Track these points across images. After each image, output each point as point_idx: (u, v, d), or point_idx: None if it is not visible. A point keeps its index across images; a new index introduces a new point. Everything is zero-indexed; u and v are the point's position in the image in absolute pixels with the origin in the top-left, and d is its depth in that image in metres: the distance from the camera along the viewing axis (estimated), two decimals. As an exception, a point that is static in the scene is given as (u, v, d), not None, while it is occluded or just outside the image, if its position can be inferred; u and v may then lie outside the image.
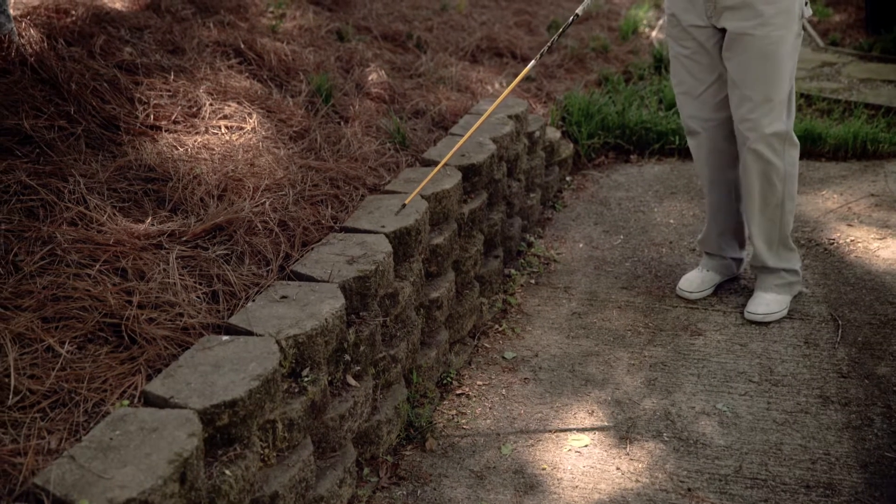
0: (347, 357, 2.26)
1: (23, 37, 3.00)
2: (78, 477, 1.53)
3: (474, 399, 2.69)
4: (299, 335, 2.03)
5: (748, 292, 3.18)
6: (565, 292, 3.32)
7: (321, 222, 2.62)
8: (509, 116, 3.67)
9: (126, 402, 1.79)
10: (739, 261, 3.28)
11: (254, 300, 2.18)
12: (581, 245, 3.71)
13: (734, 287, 3.26)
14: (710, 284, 3.24)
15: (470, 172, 3.13)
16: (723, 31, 2.86)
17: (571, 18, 2.90)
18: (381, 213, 2.69)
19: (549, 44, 2.87)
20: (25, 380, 1.76)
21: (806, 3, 2.81)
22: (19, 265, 2.06)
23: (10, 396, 1.72)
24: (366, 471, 2.33)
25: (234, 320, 2.08)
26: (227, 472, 1.76)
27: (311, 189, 2.79)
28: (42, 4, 3.65)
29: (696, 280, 3.24)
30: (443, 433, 2.52)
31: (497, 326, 3.11)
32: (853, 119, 4.70)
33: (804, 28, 2.83)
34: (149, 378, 1.87)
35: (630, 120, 4.64)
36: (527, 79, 5.05)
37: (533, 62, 2.86)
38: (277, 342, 1.99)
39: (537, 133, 3.98)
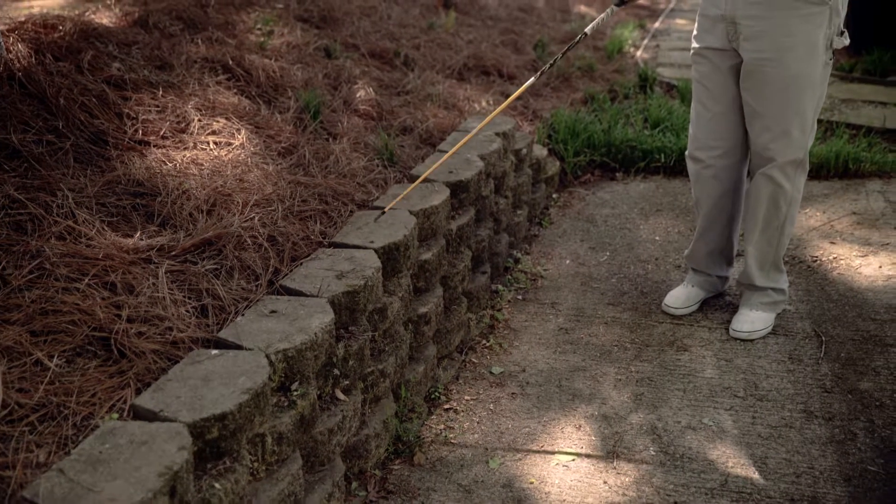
0: (336, 371, 2.26)
1: (10, 51, 3.00)
2: (67, 490, 1.53)
3: (462, 414, 2.70)
4: (289, 349, 2.03)
5: (733, 308, 3.21)
6: (552, 308, 3.34)
7: (310, 237, 2.63)
8: (497, 134, 3.69)
9: (115, 415, 1.78)
10: (725, 278, 3.31)
11: (243, 314, 2.18)
12: (568, 261, 3.73)
13: (720, 303, 3.29)
14: (696, 300, 3.27)
15: (458, 189, 3.15)
16: (741, 57, 2.84)
17: (579, 37, 2.93)
18: (370, 229, 2.70)
19: (551, 62, 2.93)
20: (14, 393, 1.75)
21: (842, 33, 2.73)
22: (7, 279, 2.06)
23: (-1, 410, 1.71)
24: (354, 485, 2.33)
25: (223, 334, 2.09)
26: (217, 485, 1.75)
27: (300, 204, 2.80)
28: (29, 20, 3.65)
29: (681, 296, 3.26)
30: (431, 447, 2.53)
31: (484, 342, 3.12)
32: (835, 138, 4.76)
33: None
34: (138, 392, 1.87)
35: (616, 138, 4.68)
36: (513, 97, 5.08)
37: (532, 80, 2.91)
38: (267, 356, 1.99)
39: (524, 150, 4.01)
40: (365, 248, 2.58)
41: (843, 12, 2.71)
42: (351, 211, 2.90)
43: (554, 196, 4.46)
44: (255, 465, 1.94)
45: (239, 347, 2.04)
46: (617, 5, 3.01)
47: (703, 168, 3.05)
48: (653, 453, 2.46)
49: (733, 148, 2.99)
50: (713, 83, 2.92)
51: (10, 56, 2.95)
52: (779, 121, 2.79)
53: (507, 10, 8.30)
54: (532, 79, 2.88)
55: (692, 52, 2.98)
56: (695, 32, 2.96)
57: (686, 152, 3.14)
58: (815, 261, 3.57)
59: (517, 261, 3.71)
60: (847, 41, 2.76)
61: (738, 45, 2.80)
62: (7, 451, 1.63)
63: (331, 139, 3.54)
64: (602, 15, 2.96)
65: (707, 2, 2.88)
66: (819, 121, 5.20)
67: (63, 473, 1.57)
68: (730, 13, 2.77)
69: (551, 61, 2.90)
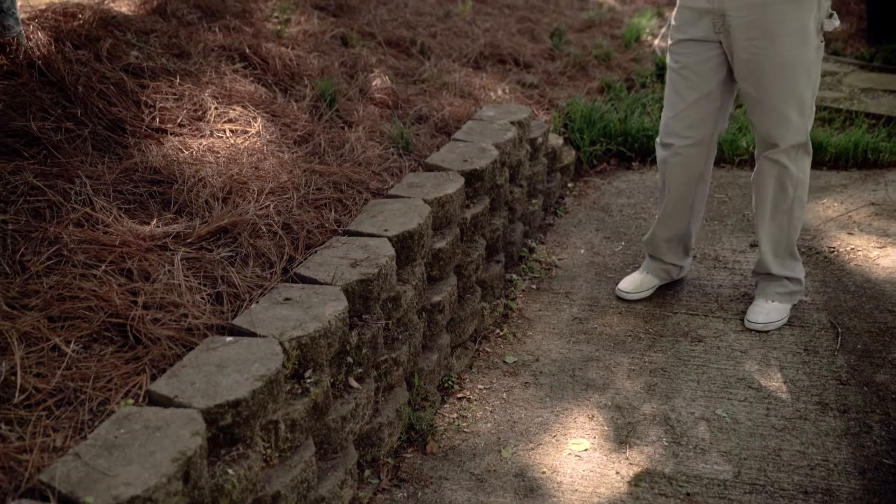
0: (350, 359, 2.28)
1: (31, 40, 3.02)
2: (83, 474, 1.55)
3: (475, 403, 2.70)
4: (302, 337, 2.04)
5: (749, 299, 3.20)
6: (566, 297, 3.34)
7: (325, 226, 2.64)
8: (512, 122, 3.69)
9: (131, 401, 1.80)
10: (680, 267, 3.35)
11: (257, 302, 2.20)
12: (582, 251, 3.73)
13: (735, 294, 3.28)
14: (649, 287, 3.31)
15: (472, 177, 3.15)
16: (725, 48, 2.86)
17: None
18: (385, 217, 2.71)
19: None
20: (31, 378, 1.78)
21: (831, 15, 2.77)
22: (26, 265, 2.08)
23: (17, 394, 1.73)
24: (367, 472, 2.34)
25: (238, 322, 2.10)
26: (230, 471, 1.77)
27: (315, 193, 2.81)
28: (49, 8, 3.67)
29: (635, 281, 3.32)
30: (444, 436, 2.54)
31: (498, 331, 3.13)
32: (854, 128, 4.72)
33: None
34: (153, 378, 1.88)
35: (632, 127, 4.66)
36: (529, 85, 5.07)
37: None
38: (281, 343, 2.00)
39: (540, 139, 4.00)
40: (379, 236, 2.59)
41: None
42: (366, 199, 2.91)
43: (569, 185, 4.45)
44: (269, 451, 1.96)
45: (253, 335, 2.06)
46: None
47: (672, 155, 3.07)
48: (666, 444, 2.46)
49: (704, 138, 3.02)
50: (694, 74, 2.93)
51: (30, 44, 2.97)
52: (778, 107, 2.82)
53: (526, -2, 8.28)
54: None
55: (671, 42, 3.00)
56: (673, 23, 2.98)
57: (657, 139, 3.17)
58: (832, 251, 3.55)
59: (532, 250, 3.71)
60: (837, 23, 2.81)
61: (726, 37, 2.82)
62: (24, 436, 1.66)
63: (346, 127, 3.55)
64: None
65: None
66: (838, 110, 5.17)
67: (79, 458, 1.59)
68: (718, 6, 2.79)
69: None
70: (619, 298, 3.31)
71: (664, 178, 3.17)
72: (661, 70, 5.94)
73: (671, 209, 3.18)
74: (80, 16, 3.61)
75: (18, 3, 4.51)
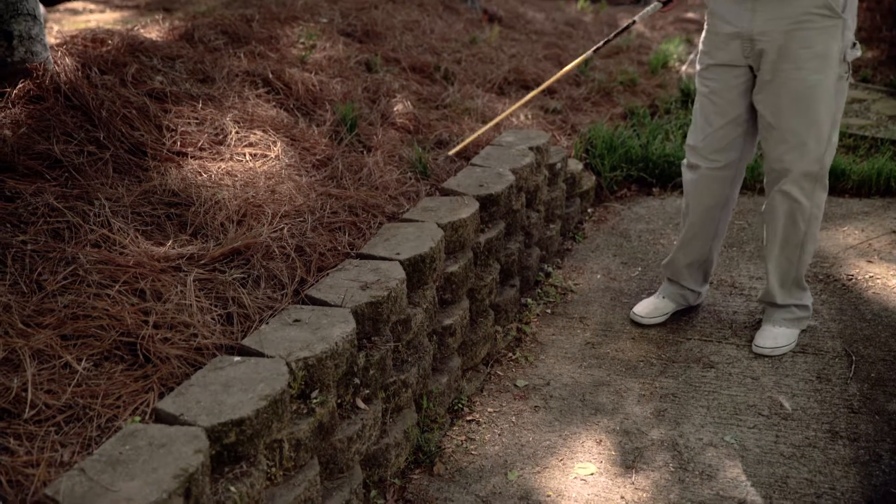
0: (357, 380, 2.31)
1: (58, 65, 3.12)
2: (87, 489, 1.59)
3: (484, 425, 2.72)
4: (309, 358, 2.08)
5: (762, 326, 3.20)
6: (580, 322, 3.35)
7: (338, 248, 2.69)
8: (530, 148, 3.72)
9: (138, 418, 1.85)
10: (698, 293, 3.34)
11: (267, 323, 2.24)
12: (599, 276, 3.74)
13: (749, 321, 3.27)
14: (664, 312, 3.31)
15: (488, 202, 3.18)
16: (755, 74, 2.88)
17: (629, 23, 3.08)
18: (398, 241, 2.75)
19: (603, 42, 3.08)
20: (42, 394, 1.83)
21: (854, 45, 2.78)
22: (42, 284, 2.15)
23: (27, 410, 1.79)
24: (373, 493, 2.37)
25: (246, 342, 2.15)
26: (233, 488, 1.81)
27: (330, 216, 2.86)
28: (80, 34, 3.79)
29: (650, 306, 3.32)
30: (451, 458, 2.56)
31: (511, 354, 3.14)
32: (879, 155, 4.69)
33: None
34: (161, 396, 1.93)
35: (653, 153, 4.67)
36: (553, 111, 5.11)
37: (587, 54, 3.04)
38: (287, 364, 2.04)
39: (559, 165, 4.03)
40: (391, 259, 2.62)
41: (854, 26, 2.77)
42: (380, 223, 2.95)
43: (589, 210, 4.47)
44: (273, 469, 1.99)
45: (261, 355, 2.10)
46: (664, 4, 3.08)
47: (698, 177, 3.09)
48: (672, 469, 2.46)
49: (730, 163, 3.03)
50: (722, 99, 2.95)
51: (58, 69, 3.06)
52: (794, 132, 2.83)
53: (554, 24, 8.33)
54: (588, 53, 3.04)
55: (700, 68, 3.02)
56: (702, 48, 3.00)
57: (683, 161, 3.17)
58: (851, 279, 3.53)
59: (548, 274, 3.73)
60: (859, 52, 2.82)
61: (755, 61, 2.83)
62: (32, 450, 1.71)
63: (365, 152, 3.60)
64: (649, 7, 3.08)
65: (717, 20, 2.90)
66: (863, 137, 5.14)
67: (84, 473, 1.64)
68: (746, 30, 2.81)
69: (600, 43, 3.10)
70: (634, 322, 3.31)
71: (688, 200, 3.18)
72: (685, 96, 5.95)
73: (693, 234, 3.19)
74: (109, 42, 3.71)
75: (55, 29, 4.63)
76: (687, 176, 3.16)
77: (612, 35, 3.16)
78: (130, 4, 7.73)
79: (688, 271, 3.26)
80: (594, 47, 3.09)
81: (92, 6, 7.83)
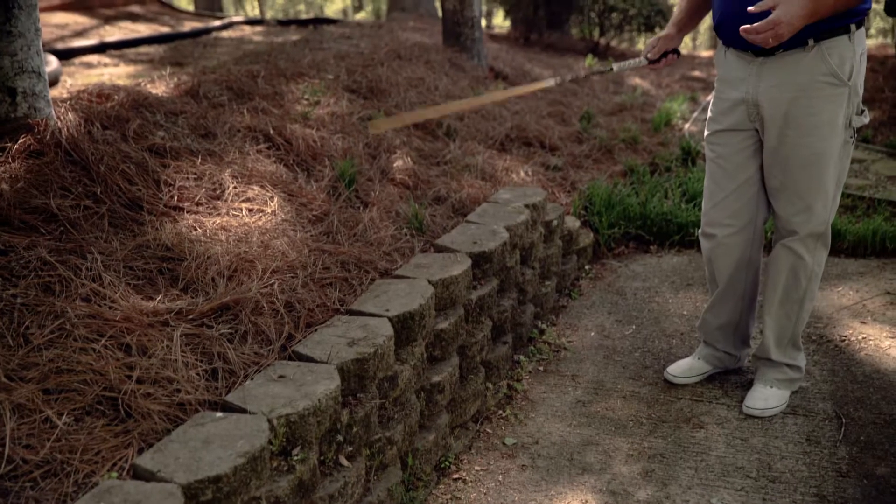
0: (340, 437, 2.31)
1: (61, 120, 3.19)
2: (58, 545, 1.60)
3: (470, 484, 2.71)
4: (291, 414, 2.09)
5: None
6: (572, 380, 3.35)
7: (327, 304, 2.71)
8: (526, 205, 3.75)
9: (115, 474, 1.86)
10: (736, 357, 3.29)
11: (252, 378, 2.26)
12: (593, 333, 3.75)
13: (741, 381, 3.26)
14: (699, 373, 3.28)
15: (481, 259, 3.21)
16: (761, 136, 2.90)
17: (607, 69, 3.13)
18: (388, 297, 2.77)
19: (569, 77, 3.16)
20: (20, 449, 1.85)
21: (861, 112, 2.79)
22: (29, 338, 2.17)
23: (3, 465, 1.80)
24: (355, 552, 2.36)
25: (230, 398, 2.16)
26: (207, 547, 1.81)
27: (322, 272, 2.89)
28: (86, 90, 3.87)
29: (685, 366, 3.29)
30: (435, 517, 2.55)
31: (501, 412, 3.14)
32: (876, 216, 4.71)
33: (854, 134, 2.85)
34: (140, 451, 1.94)
35: (651, 211, 4.70)
36: (553, 168, 5.16)
37: (549, 83, 3.10)
38: (269, 420, 2.05)
39: (555, 222, 4.06)
40: (380, 315, 2.64)
41: (861, 92, 2.76)
42: (372, 279, 2.98)
43: (586, 268, 4.49)
44: (251, 528, 1.99)
45: (244, 411, 2.11)
46: (649, 62, 3.10)
47: (716, 245, 3.08)
48: (657, 532, 2.44)
49: (746, 225, 3.02)
50: (730, 164, 2.96)
51: (59, 125, 3.13)
52: (802, 196, 2.84)
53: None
54: (550, 82, 3.11)
55: (708, 133, 3.03)
56: (710, 115, 3.02)
57: (699, 230, 3.17)
58: (844, 340, 3.52)
59: (542, 331, 3.74)
60: (866, 120, 2.82)
61: (761, 125, 2.86)
62: (8, 505, 1.72)
63: (362, 207, 3.65)
64: (633, 60, 3.13)
65: (725, 85, 2.94)
66: (861, 197, 5.16)
67: (57, 529, 1.65)
68: (752, 96, 2.83)
69: (569, 77, 3.18)
70: (667, 382, 3.28)
71: (710, 268, 3.18)
72: (686, 154, 6.00)
73: (720, 298, 3.18)
74: (114, 97, 3.79)
75: (68, 83, 4.72)
76: (704, 245, 3.16)
77: (583, 74, 3.24)
78: (144, 59, 7.88)
79: (721, 334, 3.23)
80: (558, 79, 3.15)
81: (107, 60, 7.98)
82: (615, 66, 3.15)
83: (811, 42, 2.68)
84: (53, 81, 6.29)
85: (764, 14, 2.49)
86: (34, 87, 3.10)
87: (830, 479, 2.65)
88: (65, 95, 3.79)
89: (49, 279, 2.41)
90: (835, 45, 2.68)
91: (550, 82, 3.16)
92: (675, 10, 3.14)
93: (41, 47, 3.16)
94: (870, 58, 9.83)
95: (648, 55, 3.11)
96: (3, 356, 2.07)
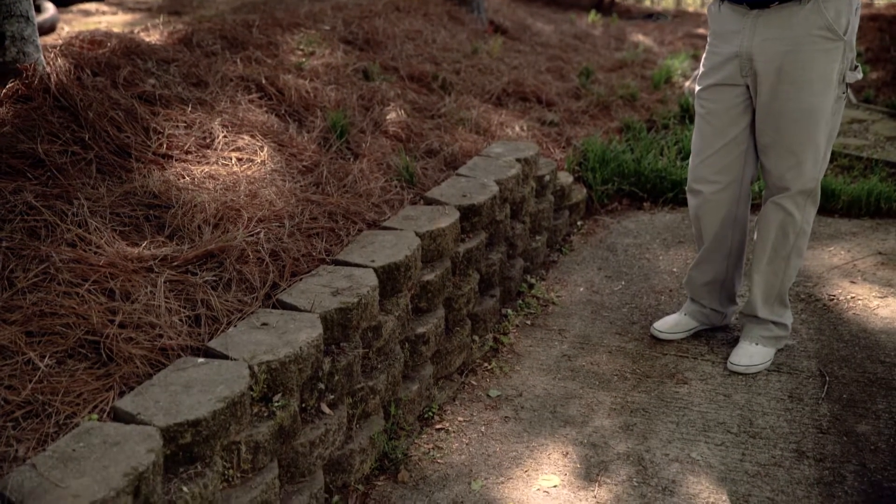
0: (322, 385, 2.33)
1: (51, 66, 3.16)
2: (35, 484, 1.62)
3: (453, 434, 2.74)
4: (272, 361, 2.11)
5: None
6: (559, 334, 3.36)
7: (313, 254, 2.71)
8: (518, 160, 3.75)
9: (95, 416, 1.88)
10: (722, 314, 3.30)
11: (235, 326, 2.27)
12: (582, 289, 3.76)
13: (727, 338, 3.28)
14: (685, 329, 3.29)
15: (469, 212, 3.21)
16: (752, 92, 2.89)
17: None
18: (374, 248, 2.77)
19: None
20: (3, 390, 1.86)
21: (855, 68, 2.79)
22: (14, 281, 2.18)
23: (-14, 404, 1.82)
24: (335, 498, 2.39)
25: (212, 344, 2.17)
26: (185, 488, 1.83)
27: (309, 222, 2.89)
28: (79, 36, 3.84)
29: (671, 322, 3.31)
30: (417, 466, 2.58)
31: (486, 364, 3.16)
32: (872, 176, 4.69)
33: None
34: (121, 394, 1.96)
35: (646, 168, 4.69)
36: (549, 123, 5.13)
37: None
38: (250, 367, 2.07)
39: (547, 177, 4.05)
40: (365, 266, 2.65)
41: (854, 48, 2.75)
42: (360, 230, 2.98)
43: (578, 223, 4.49)
44: (230, 471, 2.02)
45: (225, 357, 2.13)
46: None
47: (702, 202, 3.07)
48: (635, 484, 2.47)
49: (733, 182, 3.01)
50: (720, 120, 2.94)
51: (48, 70, 3.11)
52: (794, 151, 2.83)
53: (561, 36, 8.35)
54: None
55: (699, 89, 3.01)
56: (702, 70, 3.00)
57: (686, 186, 3.16)
58: (832, 300, 3.53)
59: (531, 286, 3.75)
60: (860, 75, 2.81)
61: (753, 80, 2.84)
62: (-12, 444, 1.74)
63: (353, 159, 3.64)
64: None
65: (718, 39, 2.91)
66: (859, 157, 5.14)
67: (35, 468, 1.67)
68: (745, 50, 2.81)
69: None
70: (653, 337, 3.30)
71: (696, 225, 3.18)
72: (684, 111, 5.97)
73: (706, 255, 3.19)
74: (106, 44, 3.76)
75: (65, 30, 4.69)
76: (691, 201, 3.15)
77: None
78: (143, 7, 7.81)
79: (706, 290, 3.24)
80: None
81: (105, 8, 7.91)
82: None
83: None
84: (50, 29, 6.24)
85: None
86: (23, 31, 3.07)
87: (811, 435, 2.68)
88: (59, 42, 3.76)
89: (35, 224, 2.42)
90: None
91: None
92: None
93: (30, -9, 3.13)
94: (877, 17, 9.74)
95: None
96: (-14, 299, 2.08)
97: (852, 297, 3.54)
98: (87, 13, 7.75)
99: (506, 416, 2.83)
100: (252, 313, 2.35)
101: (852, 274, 3.75)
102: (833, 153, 5.25)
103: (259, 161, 3.21)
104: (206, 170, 3.02)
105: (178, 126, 3.24)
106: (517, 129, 4.77)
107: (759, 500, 2.39)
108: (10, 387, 1.89)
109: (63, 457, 1.70)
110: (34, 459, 1.69)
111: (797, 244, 2.98)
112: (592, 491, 2.45)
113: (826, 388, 2.92)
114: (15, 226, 2.38)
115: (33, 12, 3.13)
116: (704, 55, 3.00)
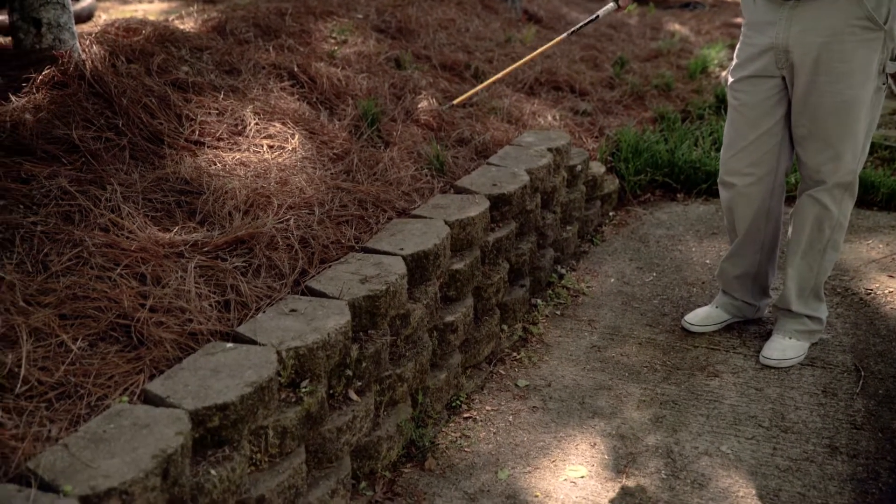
0: (350, 372, 2.34)
1: (86, 53, 3.20)
2: (67, 464, 1.64)
3: (480, 423, 2.74)
4: (300, 347, 2.12)
5: (772, 337, 3.16)
6: (589, 325, 3.35)
7: (342, 242, 2.72)
8: (549, 149, 3.72)
9: (125, 398, 1.90)
10: (755, 307, 3.25)
11: (264, 311, 2.28)
12: (613, 280, 3.73)
13: (760, 331, 3.24)
14: (717, 321, 3.25)
15: (499, 202, 3.19)
16: (787, 84, 2.84)
17: (589, 19, 3.37)
18: (403, 236, 2.77)
19: (562, 36, 3.37)
20: (36, 371, 1.89)
21: (893, 58, 2.72)
22: (48, 265, 2.21)
23: (20, 385, 1.85)
24: (363, 484, 2.40)
25: (241, 329, 2.19)
26: (213, 471, 1.85)
27: (339, 209, 2.90)
28: (115, 23, 3.87)
29: (702, 314, 3.27)
30: (444, 454, 2.58)
31: (515, 354, 3.15)
32: (913, 168, 4.61)
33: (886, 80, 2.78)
34: (151, 378, 1.98)
35: (679, 159, 4.64)
36: (582, 113, 5.09)
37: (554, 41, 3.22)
38: (278, 352, 2.08)
39: (579, 167, 4.02)
40: (394, 254, 2.65)
41: None
42: (389, 218, 2.98)
43: (610, 214, 4.45)
44: (258, 455, 2.03)
45: (254, 342, 2.14)
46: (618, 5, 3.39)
47: (735, 195, 3.03)
48: (664, 476, 2.45)
49: (766, 175, 2.96)
50: (753, 112, 2.89)
51: (84, 57, 3.14)
52: (832, 144, 2.78)
53: (596, 25, 8.29)
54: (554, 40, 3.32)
55: (732, 80, 2.97)
56: (735, 61, 2.95)
57: (718, 178, 3.11)
58: (869, 293, 3.48)
59: (561, 276, 3.73)
60: None
61: (789, 72, 2.79)
62: (21, 425, 1.76)
63: (384, 147, 3.64)
64: (608, 5, 3.46)
65: (752, 31, 2.86)
66: (898, 150, 5.05)
67: (66, 448, 1.69)
68: (782, 41, 2.76)
69: (563, 35, 3.46)
70: (684, 329, 3.27)
71: (730, 217, 3.13)
72: (720, 102, 5.89)
73: (739, 247, 3.14)
74: (141, 31, 3.79)
75: (102, 18, 4.73)
76: (723, 194, 3.10)
77: (576, 27, 3.64)
78: (179, -6, 7.86)
79: (738, 283, 3.20)
80: (559, 37, 3.43)
81: (142, -4, 7.98)
82: (601, 13, 3.56)
83: None
84: (88, 17, 6.31)
85: None
86: (59, 18, 3.10)
87: (844, 430, 2.64)
88: (95, 30, 3.79)
89: (69, 208, 2.44)
90: None
91: (550, 44, 3.56)
92: None
93: (66, -22, 3.16)
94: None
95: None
96: (22, 281, 2.11)
97: (890, 292, 3.48)
98: (125, 1, 7.82)
99: (534, 406, 2.82)
100: (281, 299, 2.36)
101: (890, 268, 3.68)
102: (872, 145, 5.16)
103: (290, 148, 3.22)
104: (238, 157, 3.04)
105: (210, 113, 3.26)
106: (549, 118, 4.74)
107: (789, 496, 2.36)
108: (43, 368, 1.91)
109: (94, 438, 1.72)
110: (66, 440, 1.71)
111: (833, 238, 2.93)
112: (620, 482, 2.43)
113: (861, 383, 2.88)
114: (50, 210, 2.41)
115: (70, 1, 3.16)
116: (738, 46, 2.96)
